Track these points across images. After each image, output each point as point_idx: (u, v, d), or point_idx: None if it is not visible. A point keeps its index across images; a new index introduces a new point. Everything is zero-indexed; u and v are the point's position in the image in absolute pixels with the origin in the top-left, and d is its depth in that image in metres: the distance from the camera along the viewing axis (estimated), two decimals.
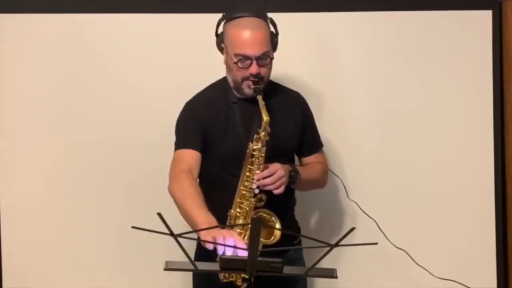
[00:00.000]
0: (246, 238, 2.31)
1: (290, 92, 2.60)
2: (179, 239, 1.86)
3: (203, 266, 2.02)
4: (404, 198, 3.03)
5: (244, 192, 2.34)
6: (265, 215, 2.37)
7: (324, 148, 2.69)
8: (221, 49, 2.45)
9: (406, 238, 2.93)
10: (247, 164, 2.33)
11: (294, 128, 2.51)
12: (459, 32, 2.99)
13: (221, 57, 2.53)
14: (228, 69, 2.43)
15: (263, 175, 2.30)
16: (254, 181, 2.31)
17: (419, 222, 3.03)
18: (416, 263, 2.89)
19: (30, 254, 3.00)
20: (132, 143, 2.96)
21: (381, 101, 3.01)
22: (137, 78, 2.95)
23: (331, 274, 1.98)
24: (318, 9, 2.96)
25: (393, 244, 2.87)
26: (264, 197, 2.35)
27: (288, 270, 1.94)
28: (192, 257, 2.54)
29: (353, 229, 1.84)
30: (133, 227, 1.88)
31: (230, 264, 1.96)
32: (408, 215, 3.03)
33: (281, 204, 2.39)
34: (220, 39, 2.44)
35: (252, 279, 1.92)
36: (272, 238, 2.34)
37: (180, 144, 2.44)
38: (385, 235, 2.84)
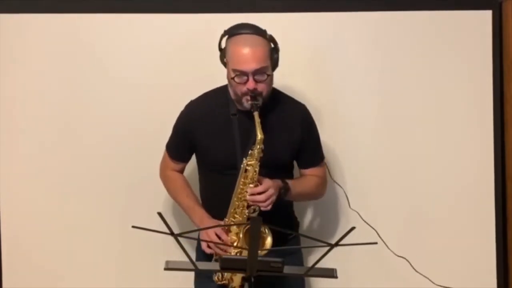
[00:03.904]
0: (241, 238, 2.38)
1: (294, 104, 2.61)
2: (179, 238, 1.87)
3: (203, 266, 2.03)
4: (405, 202, 3.02)
5: (237, 203, 2.40)
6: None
7: (324, 162, 2.69)
8: (224, 64, 2.48)
9: (407, 246, 2.94)
10: (240, 179, 2.38)
11: (291, 143, 2.53)
12: (459, 32, 2.99)
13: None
14: (229, 83, 2.47)
15: (257, 191, 2.35)
16: (248, 194, 2.36)
17: (420, 227, 3.02)
18: (416, 271, 2.90)
19: (30, 254, 2.99)
20: (132, 143, 2.96)
21: (380, 102, 3.00)
22: (137, 78, 2.95)
23: (331, 274, 1.98)
24: (318, 9, 2.96)
25: (393, 252, 2.88)
26: (257, 208, 2.37)
27: (288, 270, 1.94)
28: (194, 254, 2.56)
29: (353, 228, 1.85)
30: (133, 226, 1.89)
31: (230, 264, 1.96)
32: (409, 220, 3.02)
33: (274, 204, 2.39)
34: (223, 53, 2.48)
35: (252, 279, 1.93)
36: (263, 247, 2.36)
37: (168, 147, 2.65)
38: (385, 244, 2.84)
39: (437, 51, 2.99)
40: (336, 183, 2.95)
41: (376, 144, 3.02)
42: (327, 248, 1.89)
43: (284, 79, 2.91)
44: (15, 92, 2.96)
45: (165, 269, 1.98)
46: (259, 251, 2.27)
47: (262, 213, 2.35)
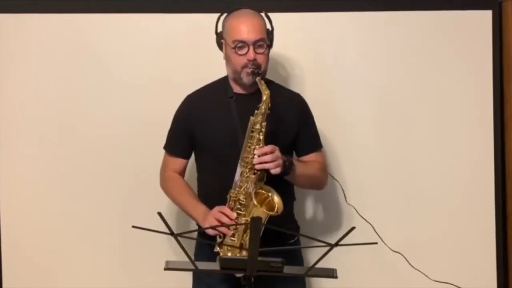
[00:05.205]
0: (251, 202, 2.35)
1: (290, 92, 2.67)
2: (179, 238, 1.87)
3: (203, 266, 2.03)
4: (403, 200, 3.02)
5: (243, 169, 2.37)
6: (263, 192, 2.38)
7: (323, 151, 2.69)
8: (220, 46, 2.52)
9: (404, 241, 2.94)
10: (247, 139, 2.37)
11: (290, 128, 2.55)
12: (459, 32, 2.99)
13: (220, 57, 2.54)
14: (228, 61, 2.50)
15: (264, 150, 2.33)
16: (255, 156, 2.34)
17: (419, 224, 3.02)
18: (412, 266, 2.89)
19: (30, 254, 2.99)
20: (132, 143, 2.96)
21: (380, 102, 3.01)
22: (136, 78, 2.95)
23: (331, 274, 1.98)
24: (318, 9, 2.96)
25: (389, 248, 2.87)
26: (264, 175, 2.37)
27: (288, 270, 1.95)
28: (192, 256, 2.56)
29: (353, 228, 1.85)
30: (133, 226, 1.89)
31: (230, 264, 1.96)
32: (408, 217, 3.02)
33: (280, 194, 2.39)
34: (219, 36, 2.52)
35: (252, 279, 1.93)
36: (275, 210, 2.34)
37: (167, 146, 2.64)
38: (381, 239, 2.83)
39: (437, 51, 2.99)
40: (333, 178, 2.93)
41: (374, 143, 3.01)
42: (327, 248, 1.89)
43: (283, 78, 2.92)
44: (15, 92, 2.96)
45: (165, 269, 1.98)
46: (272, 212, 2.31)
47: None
